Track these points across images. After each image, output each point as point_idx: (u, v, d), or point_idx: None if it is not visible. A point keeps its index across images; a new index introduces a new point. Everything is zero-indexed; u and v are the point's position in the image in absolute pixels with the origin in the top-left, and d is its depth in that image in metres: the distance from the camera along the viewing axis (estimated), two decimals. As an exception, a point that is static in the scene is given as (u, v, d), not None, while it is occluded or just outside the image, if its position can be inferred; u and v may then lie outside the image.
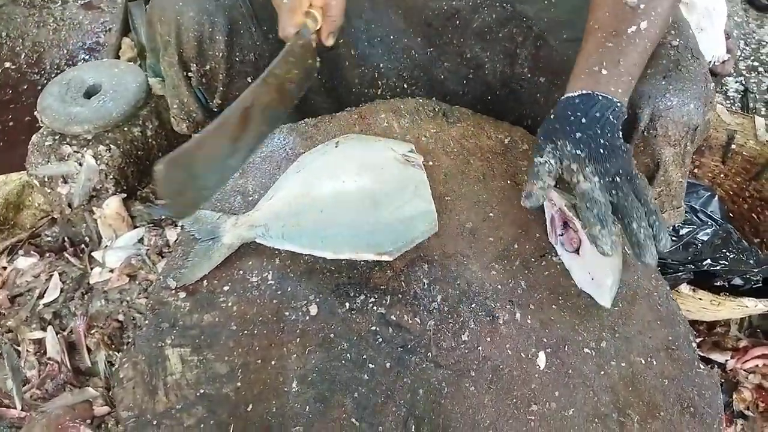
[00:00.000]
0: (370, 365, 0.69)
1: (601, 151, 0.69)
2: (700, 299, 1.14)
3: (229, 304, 0.74)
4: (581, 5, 0.84)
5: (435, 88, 1.13)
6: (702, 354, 1.25)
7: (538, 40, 1.01)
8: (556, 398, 0.69)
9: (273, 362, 0.69)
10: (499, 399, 0.68)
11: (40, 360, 1.09)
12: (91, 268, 1.23)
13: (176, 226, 1.24)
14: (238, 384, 0.68)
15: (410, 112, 1.00)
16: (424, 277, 0.78)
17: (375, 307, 0.74)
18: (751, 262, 1.23)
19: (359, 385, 0.68)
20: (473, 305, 0.75)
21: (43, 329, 1.12)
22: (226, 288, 0.76)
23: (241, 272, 0.77)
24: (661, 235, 0.66)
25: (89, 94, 1.34)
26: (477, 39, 1.06)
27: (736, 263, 1.23)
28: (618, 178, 0.68)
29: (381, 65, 1.11)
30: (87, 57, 2.04)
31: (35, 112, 1.30)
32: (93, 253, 1.25)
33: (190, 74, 1.03)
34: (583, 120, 0.71)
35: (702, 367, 0.74)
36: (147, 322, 0.73)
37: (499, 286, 0.78)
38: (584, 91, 0.74)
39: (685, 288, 1.14)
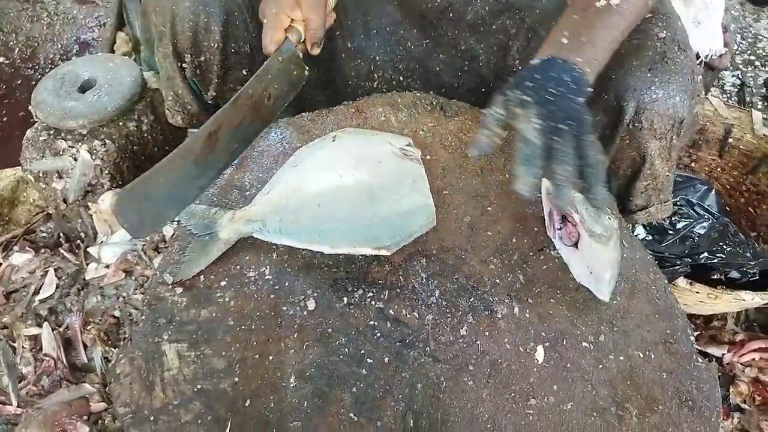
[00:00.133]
0: (369, 360, 0.69)
1: (549, 98, 0.68)
2: (698, 293, 1.14)
3: (227, 299, 0.74)
4: None
5: (430, 80, 1.12)
6: (699, 348, 1.26)
7: (530, 32, 1.01)
8: (555, 392, 0.69)
9: (271, 357, 0.69)
10: (498, 393, 0.68)
11: (36, 356, 1.08)
12: (87, 264, 1.22)
13: (173, 221, 1.24)
14: (236, 379, 0.67)
15: (408, 106, 1.00)
16: (422, 272, 0.77)
17: (373, 302, 0.74)
18: (748, 255, 1.24)
19: (357, 380, 0.68)
20: (471, 299, 0.75)
21: (39, 325, 1.12)
22: (223, 283, 0.75)
23: (239, 267, 0.77)
24: (595, 188, 0.65)
25: (84, 88, 1.33)
26: (471, 31, 1.06)
27: (733, 257, 1.23)
28: (563, 126, 0.66)
29: (377, 58, 1.10)
30: (81, 51, 2.02)
31: (30, 107, 1.29)
32: (89, 249, 1.24)
33: (184, 65, 1.02)
34: (537, 75, 0.70)
35: (700, 360, 0.75)
36: (143, 317, 0.72)
37: (498, 281, 0.77)
38: (544, 58, 0.73)
39: (682, 281, 1.14)
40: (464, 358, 0.70)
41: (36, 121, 1.30)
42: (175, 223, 0.84)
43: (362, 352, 0.70)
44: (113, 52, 1.91)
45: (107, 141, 1.28)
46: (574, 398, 0.69)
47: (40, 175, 1.26)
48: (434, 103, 1.00)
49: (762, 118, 1.43)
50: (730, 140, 1.47)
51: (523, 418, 0.67)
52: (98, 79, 1.33)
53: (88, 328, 1.11)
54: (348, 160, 0.81)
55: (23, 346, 1.09)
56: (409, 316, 0.73)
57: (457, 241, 0.81)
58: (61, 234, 1.30)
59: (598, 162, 0.66)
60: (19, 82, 1.92)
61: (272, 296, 0.74)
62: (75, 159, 1.25)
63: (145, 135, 1.36)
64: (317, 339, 0.71)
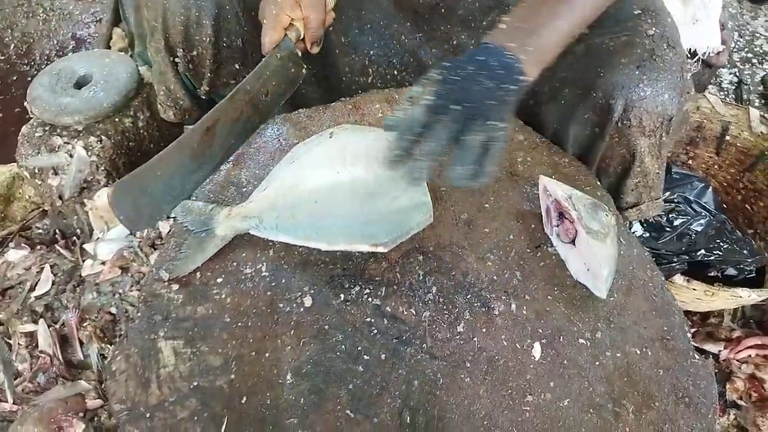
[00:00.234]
0: (365, 357, 0.69)
1: (455, 78, 0.66)
2: (694, 290, 1.15)
3: (223, 296, 0.74)
4: None
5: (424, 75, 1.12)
6: (695, 344, 1.26)
7: None
8: (551, 389, 0.69)
9: (267, 354, 0.69)
10: (495, 390, 0.68)
11: (32, 353, 1.07)
12: (83, 261, 1.21)
13: (169, 218, 1.23)
14: (232, 376, 0.67)
15: (405, 103, 0.99)
16: (419, 269, 0.77)
17: (370, 299, 0.74)
18: (745, 252, 1.24)
19: (354, 377, 0.68)
20: (468, 296, 0.75)
21: (35, 322, 1.11)
22: (219, 280, 0.75)
23: (235, 264, 0.77)
24: (450, 168, 0.64)
25: (80, 84, 1.32)
26: (462, 26, 1.06)
27: (730, 254, 1.23)
28: (454, 106, 0.65)
29: (371, 52, 1.10)
30: (77, 47, 2.01)
31: (25, 103, 1.28)
32: (84, 246, 1.24)
33: (176, 60, 1.02)
34: (463, 58, 0.70)
35: (697, 357, 0.75)
36: (139, 314, 0.72)
37: (495, 277, 0.77)
38: (482, 42, 0.72)
39: (679, 278, 1.15)
40: (461, 354, 0.70)
41: (31, 118, 1.29)
42: (172, 219, 0.84)
43: (359, 348, 0.70)
44: (109, 48, 1.90)
45: (103, 137, 1.27)
46: (571, 395, 0.69)
47: (36, 171, 1.25)
48: (431, 99, 1.00)
49: (759, 116, 1.43)
50: (728, 137, 1.47)
51: (519, 414, 0.67)
52: (94, 75, 1.32)
53: (84, 324, 1.11)
54: (345, 156, 0.81)
55: (19, 343, 1.08)
56: (405, 313, 0.73)
57: (454, 238, 0.81)
58: (56, 230, 1.30)
59: (470, 145, 0.64)
60: (15, 78, 1.91)
61: (269, 293, 0.74)
62: (71, 155, 1.25)
63: (141, 131, 1.36)
64: (314, 336, 0.71)
